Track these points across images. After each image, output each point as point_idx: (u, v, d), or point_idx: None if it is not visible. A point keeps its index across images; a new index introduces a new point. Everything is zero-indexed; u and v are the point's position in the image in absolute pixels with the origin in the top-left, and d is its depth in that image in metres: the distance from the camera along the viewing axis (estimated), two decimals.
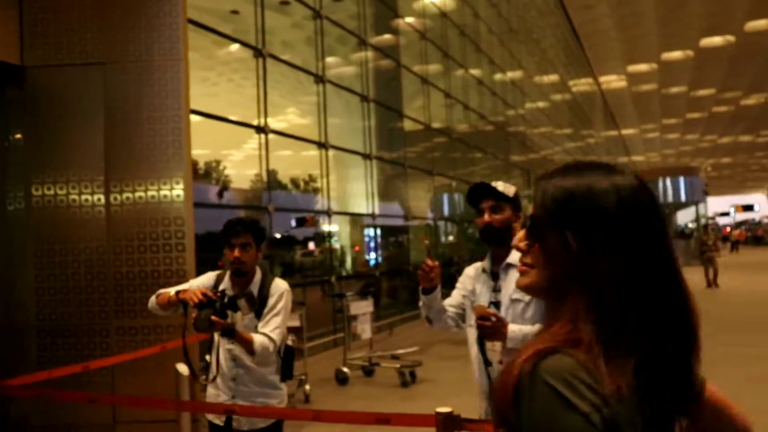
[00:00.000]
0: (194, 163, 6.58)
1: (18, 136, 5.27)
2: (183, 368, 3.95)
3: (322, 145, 10.27)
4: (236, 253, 2.85)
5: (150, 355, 4.69)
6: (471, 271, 2.66)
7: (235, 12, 8.11)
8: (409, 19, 14.08)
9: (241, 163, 12.74)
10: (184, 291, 2.68)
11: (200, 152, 10.91)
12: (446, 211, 16.39)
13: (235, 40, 7.50)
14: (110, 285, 5.13)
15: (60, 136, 5.24)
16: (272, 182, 8.83)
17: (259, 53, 8.73)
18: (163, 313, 2.89)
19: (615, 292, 0.88)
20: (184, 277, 4.88)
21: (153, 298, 2.94)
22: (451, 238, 16.36)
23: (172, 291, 2.86)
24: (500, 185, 2.48)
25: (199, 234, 5.65)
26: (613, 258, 0.90)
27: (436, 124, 14.72)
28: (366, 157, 11.94)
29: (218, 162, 11.75)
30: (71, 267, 5.13)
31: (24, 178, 5.20)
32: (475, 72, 17.33)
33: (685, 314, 0.92)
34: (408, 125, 13.61)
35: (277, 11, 9.76)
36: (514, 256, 2.43)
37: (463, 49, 16.76)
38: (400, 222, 13.28)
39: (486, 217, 2.46)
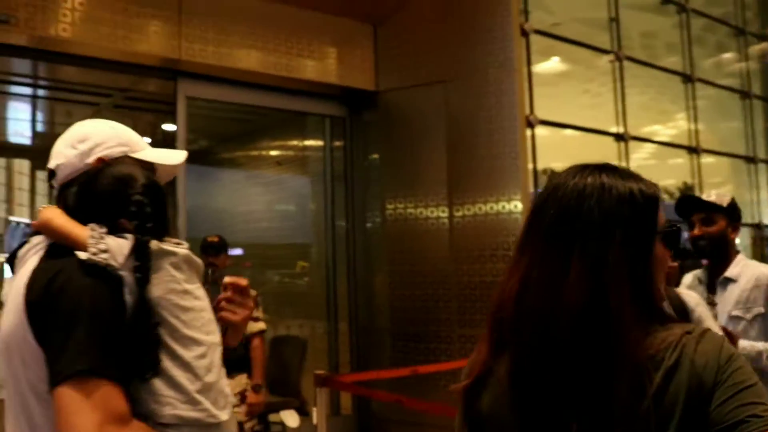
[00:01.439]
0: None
1: (375, 156, 5.86)
2: None
3: (693, 150, 9.21)
4: None
5: None
6: (688, 279, 2.60)
7: (613, 20, 7.78)
8: None
9: None
10: None
11: (562, 165, 10.58)
12: None
13: (587, 47, 7.21)
14: (453, 294, 5.60)
15: (408, 154, 6.12)
16: None
17: (616, 56, 8.25)
18: None
19: None
20: None
21: None
22: None
23: None
24: (713, 195, 2.46)
25: None
26: None
27: None
28: (750, 160, 10.35)
29: None
30: (419, 276, 5.82)
31: (380, 194, 6.14)
32: None
33: None
34: None
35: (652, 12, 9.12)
36: (734, 270, 2.41)
37: None
38: None
39: (696, 230, 2.46)
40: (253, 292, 4.08)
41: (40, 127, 8.20)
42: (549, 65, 7.00)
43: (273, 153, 7.23)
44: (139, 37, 4.79)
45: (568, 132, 6.85)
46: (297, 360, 5.14)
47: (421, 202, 5.80)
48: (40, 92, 6.80)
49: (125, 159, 1.48)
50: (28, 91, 6.68)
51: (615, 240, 1.09)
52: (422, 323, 5.71)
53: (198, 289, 1.41)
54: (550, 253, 1.09)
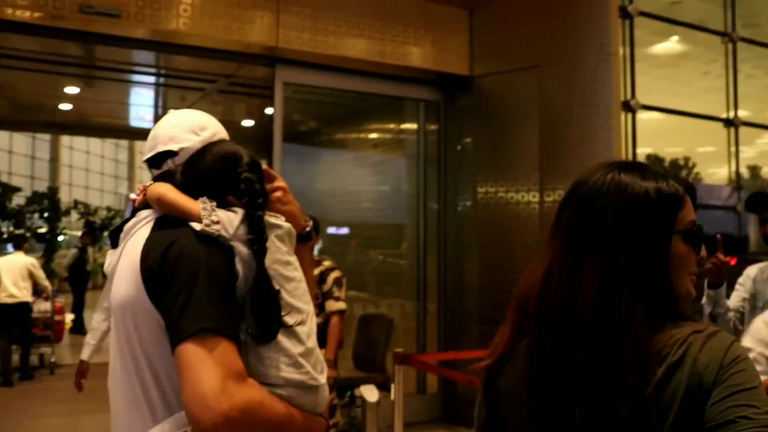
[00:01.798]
0: (660, 161, 6.36)
1: (468, 139, 5.96)
2: None
3: None
4: None
5: None
6: (753, 271, 2.59)
7: None
8: None
9: (714, 160, 11.59)
10: None
11: (672, 150, 10.28)
12: None
13: (697, 28, 6.88)
14: None
15: (501, 138, 6.24)
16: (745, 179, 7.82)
17: (729, 38, 7.82)
18: None
19: None
20: None
21: None
22: None
23: None
24: None
25: None
26: None
27: None
28: None
29: (687, 159, 10.98)
30: (508, 260, 5.97)
31: (472, 178, 6.30)
32: None
33: None
34: None
35: None
36: None
37: None
38: None
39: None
40: (336, 273, 4.28)
41: (158, 112, 8.82)
42: (667, 46, 6.74)
43: (371, 136, 7.43)
44: (242, 27, 5.16)
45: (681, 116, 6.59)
46: (383, 338, 5.34)
47: (513, 186, 5.91)
48: (157, 80, 7.33)
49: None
50: (146, 79, 7.24)
51: (626, 240, 1.14)
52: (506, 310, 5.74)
53: (297, 260, 1.50)
54: (569, 250, 1.15)
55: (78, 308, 12.22)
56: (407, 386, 6.50)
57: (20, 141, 25.83)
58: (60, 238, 21.03)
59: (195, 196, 1.44)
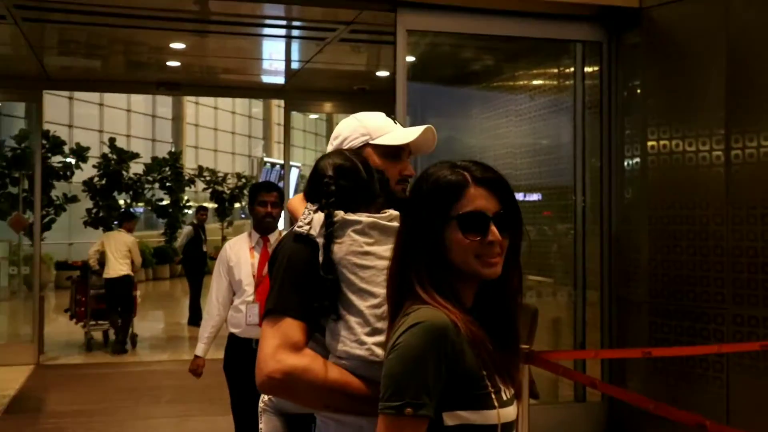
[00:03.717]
0: None
1: (636, 82, 6.62)
2: None
3: None
4: None
5: None
6: None
7: None
8: None
9: None
10: None
11: None
12: None
13: None
14: (727, 262, 5.91)
15: (676, 81, 6.29)
16: None
17: None
18: None
19: None
20: None
21: None
22: None
23: None
24: None
25: None
26: None
27: None
28: None
29: None
30: (685, 238, 6.15)
31: (642, 127, 6.51)
32: None
33: None
34: None
35: None
36: None
37: None
38: None
39: None
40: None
41: (291, 65, 10.01)
42: None
43: (523, 84, 7.88)
44: None
45: None
46: (525, 332, 5.89)
47: (690, 143, 6.06)
48: (271, 30, 8.38)
49: (363, 147, 2.42)
50: (257, 30, 8.33)
51: (406, 225, 1.87)
52: (687, 297, 6.06)
53: (385, 249, 2.11)
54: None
55: (194, 296, 13.62)
56: (565, 392, 7.05)
57: (138, 97, 28.02)
58: (188, 210, 23.07)
59: (311, 201, 2.28)
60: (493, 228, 1.77)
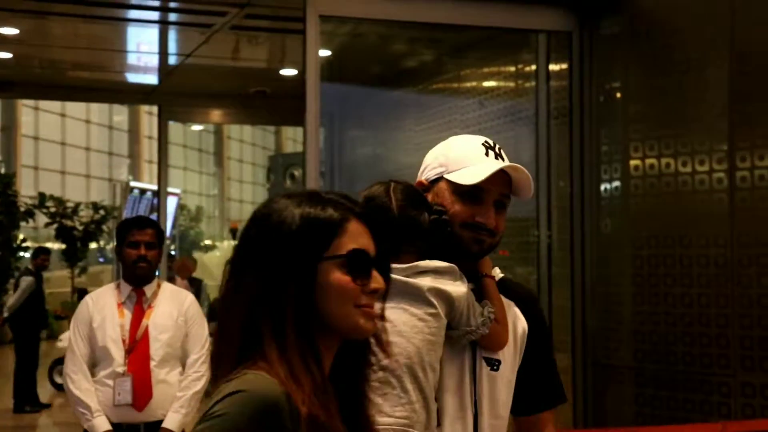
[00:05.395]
0: None
1: (616, 85, 6.76)
2: None
3: None
4: None
5: None
6: None
7: None
8: None
9: None
10: None
11: None
12: None
13: None
14: (733, 314, 5.90)
15: (666, 83, 6.35)
16: None
17: None
18: None
19: None
20: None
21: None
22: None
23: None
24: None
25: None
26: None
27: None
28: None
29: None
30: (678, 285, 6.18)
31: (623, 140, 6.60)
32: None
33: None
34: None
35: None
36: None
37: None
38: None
39: None
40: None
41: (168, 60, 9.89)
42: None
43: (471, 86, 7.96)
44: None
45: None
46: None
47: (686, 153, 6.09)
48: (151, 15, 8.31)
49: (438, 181, 2.63)
50: (136, 14, 8.29)
51: (260, 268, 1.85)
52: (681, 360, 6.09)
53: (388, 309, 2.18)
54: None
55: (24, 370, 13.28)
56: None
57: None
58: (22, 252, 22.48)
59: None
60: (376, 273, 1.86)
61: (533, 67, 7.30)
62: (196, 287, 13.72)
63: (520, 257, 7.49)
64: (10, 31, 8.64)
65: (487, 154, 2.61)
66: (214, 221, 41.59)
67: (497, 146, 2.68)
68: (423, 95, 8.54)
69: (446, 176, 2.60)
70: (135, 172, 36.44)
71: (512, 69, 7.77)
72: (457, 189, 2.57)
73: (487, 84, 8.03)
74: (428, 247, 2.49)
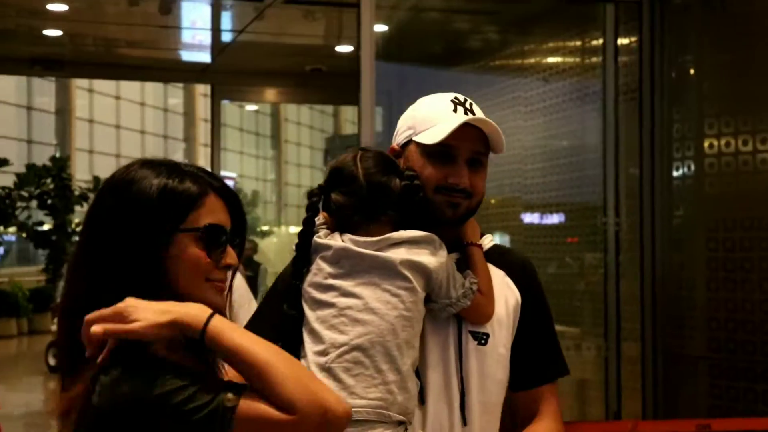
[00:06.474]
0: None
1: (689, 59, 6.63)
2: None
3: None
4: None
5: None
6: None
7: None
8: None
9: None
10: None
11: None
12: None
13: None
14: None
15: (744, 56, 6.25)
16: None
17: None
18: None
19: None
20: None
21: None
22: None
23: None
24: None
25: None
26: None
27: None
28: None
29: None
30: (756, 269, 6.05)
31: (697, 121, 6.43)
32: None
33: None
34: None
35: None
36: None
37: None
38: None
39: None
40: None
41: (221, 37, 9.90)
42: None
43: (536, 61, 7.82)
44: None
45: None
46: None
47: (765, 130, 5.99)
48: None
49: (408, 145, 2.55)
50: None
51: (96, 242, 1.93)
52: (761, 350, 5.94)
53: (358, 286, 2.30)
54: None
55: None
56: None
57: (5, 80, 26.84)
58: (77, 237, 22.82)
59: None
60: (230, 249, 1.98)
61: (600, 41, 7.16)
62: (254, 271, 13.80)
63: (587, 243, 7.40)
64: (60, 7, 8.66)
65: (455, 110, 2.50)
66: (271, 206, 41.75)
67: (468, 101, 2.56)
68: (483, 73, 8.43)
69: (414, 138, 2.52)
70: (190, 156, 36.64)
71: (578, 43, 7.63)
72: (426, 150, 2.48)
73: (551, 60, 7.88)
74: (403, 217, 2.41)
